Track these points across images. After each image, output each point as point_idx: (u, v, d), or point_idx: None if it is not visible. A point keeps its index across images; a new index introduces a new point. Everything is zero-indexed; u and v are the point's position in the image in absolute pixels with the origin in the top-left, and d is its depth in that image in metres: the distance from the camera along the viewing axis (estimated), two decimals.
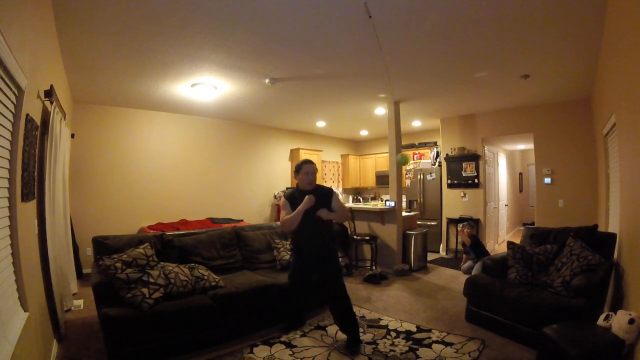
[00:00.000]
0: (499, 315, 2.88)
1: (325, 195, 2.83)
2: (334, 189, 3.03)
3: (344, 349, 2.68)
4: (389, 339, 2.85)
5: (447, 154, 6.45)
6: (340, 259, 2.82)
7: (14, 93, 1.65)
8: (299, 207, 2.70)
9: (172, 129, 5.94)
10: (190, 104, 5.22)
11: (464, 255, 5.33)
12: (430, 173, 6.81)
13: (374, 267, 5.06)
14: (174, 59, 3.46)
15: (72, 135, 4.22)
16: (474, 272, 4.72)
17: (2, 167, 1.59)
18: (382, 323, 3.18)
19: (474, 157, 6.09)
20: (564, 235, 3.18)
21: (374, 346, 2.74)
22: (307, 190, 2.81)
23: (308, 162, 2.90)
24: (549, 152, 5.33)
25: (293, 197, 2.85)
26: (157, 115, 5.71)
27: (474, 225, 5.32)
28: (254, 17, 2.65)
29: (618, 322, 1.88)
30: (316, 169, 2.90)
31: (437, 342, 2.78)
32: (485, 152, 6.21)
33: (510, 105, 5.58)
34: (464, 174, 6.20)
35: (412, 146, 7.86)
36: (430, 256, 5.89)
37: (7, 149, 1.63)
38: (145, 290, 2.47)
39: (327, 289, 2.85)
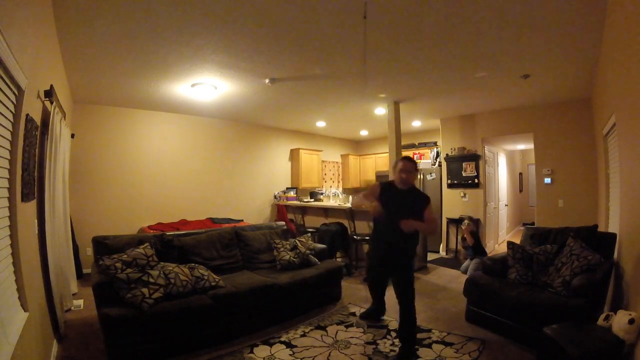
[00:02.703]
0: (499, 315, 2.88)
1: (419, 200, 2.65)
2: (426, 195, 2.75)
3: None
4: (389, 339, 2.85)
5: (447, 154, 6.45)
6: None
7: (14, 93, 1.65)
8: (374, 209, 2.65)
9: (172, 129, 5.93)
10: (190, 104, 5.22)
11: (463, 251, 5.34)
12: (430, 173, 6.81)
13: None
14: (174, 59, 3.46)
15: (72, 135, 4.22)
16: (468, 271, 4.74)
17: (2, 167, 1.58)
18: (382, 323, 3.18)
19: (474, 157, 6.09)
20: (564, 235, 3.18)
21: (374, 346, 2.74)
22: (401, 189, 2.67)
23: (405, 160, 2.69)
24: (549, 152, 5.32)
25: (384, 188, 2.74)
26: (157, 115, 5.71)
27: (474, 222, 5.32)
28: (254, 17, 2.65)
29: (618, 322, 1.88)
30: (415, 169, 2.67)
31: (437, 342, 2.78)
32: (485, 152, 6.21)
33: (510, 105, 5.58)
34: (464, 174, 6.20)
35: (412, 146, 7.85)
36: (430, 256, 5.89)
37: (7, 149, 1.63)
38: (145, 290, 2.47)
39: (396, 288, 2.68)
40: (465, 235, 5.16)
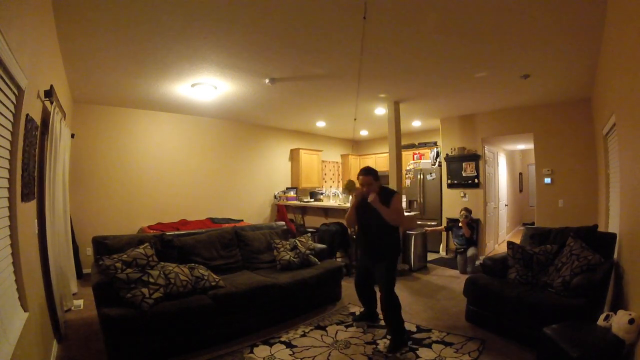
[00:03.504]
0: (499, 315, 2.88)
1: (386, 198, 2.82)
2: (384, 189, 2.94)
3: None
4: (389, 339, 2.85)
5: (447, 154, 6.45)
6: (390, 263, 2.83)
7: (14, 93, 1.65)
8: (351, 203, 2.99)
9: (172, 129, 5.94)
10: (190, 104, 5.22)
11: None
12: (430, 173, 6.80)
13: None
14: (174, 59, 3.46)
15: (72, 135, 4.22)
16: (467, 262, 4.77)
17: (2, 167, 1.59)
18: (382, 323, 3.17)
19: (474, 157, 6.09)
20: (564, 235, 3.18)
21: (374, 346, 2.74)
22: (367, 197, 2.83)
23: (362, 173, 2.87)
24: (549, 152, 5.32)
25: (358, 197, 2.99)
26: (157, 115, 5.71)
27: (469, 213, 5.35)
28: (254, 17, 2.65)
29: (618, 322, 1.88)
30: (371, 181, 2.83)
31: (437, 342, 2.78)
32: (485, 152, 6.21)
33: (510, 105, 5.58)
34: (464, 174, 6.20)
35: (412, 146, 7.86)
36: (430, 256, 5.89)
37: (7, 149, 1.63)
38: (145, 290, 2.47)
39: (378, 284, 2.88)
40: (461, 225, 5.16)
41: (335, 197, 6.88)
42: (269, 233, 4.09)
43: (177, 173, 5.96)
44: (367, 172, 2.88)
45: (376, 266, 2.87)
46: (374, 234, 2.88)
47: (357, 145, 9.83)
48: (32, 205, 2.23)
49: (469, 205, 5.99)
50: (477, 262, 4.88)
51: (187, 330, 2.58)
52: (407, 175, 7.13)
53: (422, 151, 7.62)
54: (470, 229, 5.09)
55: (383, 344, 2.77)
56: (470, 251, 4.90)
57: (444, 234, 6.36)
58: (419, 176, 6.95)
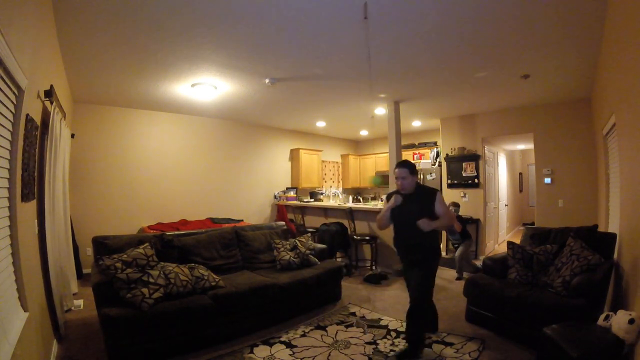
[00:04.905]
0: (499, 315, 2.88)
1: (426, 198, 2.56)
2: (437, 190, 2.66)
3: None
4: (389, 339, 2.85)
5: (447, 154, 6.45)
6: (430, 266, 2.55)
7: (14, 93, 1.65)
8: (386, 206, 2.67)
9: (172, 129, 5.94)
10: (190, 104, 5.22)
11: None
12: (430, 173, 6.81)
13: (374, 267, 5.07)
14: (174, 59, 3.46)
15: (72, 135, 4.22)
16: (457, 254, 4.75)
17: (2, 167, 1.59)
18: (382, 323, 3.18)
19: (474, 157, 6.09)
20: (564, 235, 3.18)
21: (374, 346, 2.74)
22: (404, 194, 2.60)
23: (398, 166, 2.61)
24: (549, 152, 5.32)
25: (389, 197, 2.75)
26: (157, 115, 5.71)
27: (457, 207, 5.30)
28: (254, 17, 2.65)
29: (618, 322, 1.88)
30: (409, 173, 2.56)
31: (437, 342, 2.78)
32: (485, 152, 6.21)
33: (510, 105, 5.58)
34: (464, 174, 6.20)
35: (412, 146, 7.86)
36: None
37: (7, 149, 1.63)
38: (145, 290, 2.47)
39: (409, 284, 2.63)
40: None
41: (335, 197, 6.89)
42: (269, 233, 4.09)
43: (177, 173, 5.96)
44: (403, 164, 2.60)
45: (414, 270, 2.58)
46: (412, 236, 2.55)
47: (357, 145, 9.83)
48: (32, 205, 2.23)
49: (469, 205, 6.01)
50: (473, 261, 4.85)
51: (187, 330, 2.58)
52: None
53: (422, 151, 7.62)
54: (461, 223, 5.06)
55: (383, 344, 2.77)
56: (458, 251, 4.85)
57: (443, 233, 6.36)
58: (419, 176, 6.95)
